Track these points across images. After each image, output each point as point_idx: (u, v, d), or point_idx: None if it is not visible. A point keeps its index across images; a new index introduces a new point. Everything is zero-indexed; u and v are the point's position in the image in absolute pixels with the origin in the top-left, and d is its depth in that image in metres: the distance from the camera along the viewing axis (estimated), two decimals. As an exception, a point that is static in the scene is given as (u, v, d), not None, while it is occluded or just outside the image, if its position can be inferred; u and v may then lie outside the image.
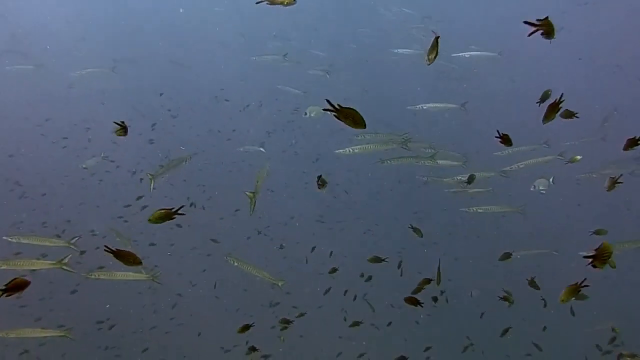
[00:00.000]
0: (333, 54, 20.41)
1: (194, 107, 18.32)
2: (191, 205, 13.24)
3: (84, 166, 13.13)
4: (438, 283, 6.75)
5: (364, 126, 3.79)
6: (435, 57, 4.27)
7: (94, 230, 12.43)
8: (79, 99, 17.41)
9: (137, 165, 15.22)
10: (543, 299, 9.78)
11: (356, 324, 10.56)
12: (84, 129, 15.68)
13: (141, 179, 14.00)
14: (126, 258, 4.65)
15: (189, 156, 9.11)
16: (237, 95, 18.07)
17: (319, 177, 6.21)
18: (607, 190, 6.52)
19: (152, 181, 8.26)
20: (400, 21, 21.18)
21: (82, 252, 8.91)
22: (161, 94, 16.87)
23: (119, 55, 17.50)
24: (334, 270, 9.91)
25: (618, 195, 15.39)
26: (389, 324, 12.78)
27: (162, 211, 4.47)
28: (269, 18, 22.33)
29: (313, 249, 12.85)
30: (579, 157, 8.11)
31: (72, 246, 7.93)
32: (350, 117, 3.75)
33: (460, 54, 14.42)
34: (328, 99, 3.67)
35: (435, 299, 9.07)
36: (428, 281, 6.54)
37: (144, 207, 11.83)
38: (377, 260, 8.08)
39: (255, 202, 6.28)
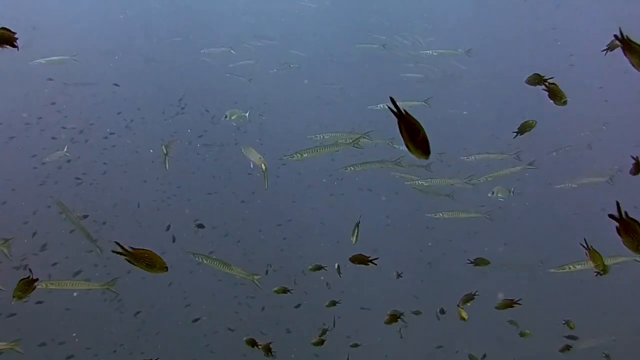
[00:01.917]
0: (310, 55, 19.90)
1: (157, 105, 17.40)
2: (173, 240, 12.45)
3: (46, 160, 12.36)
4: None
5: None
6: None
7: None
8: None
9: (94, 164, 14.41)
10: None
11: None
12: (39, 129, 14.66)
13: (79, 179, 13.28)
14: (145, 260, 3.09)
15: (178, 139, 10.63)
16: (201, 97, 17.33)
17: None
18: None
19: (167, 158, 8.58)
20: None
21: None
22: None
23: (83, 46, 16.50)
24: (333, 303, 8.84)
25: (593, 203, 15.19)
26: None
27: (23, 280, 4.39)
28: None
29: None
30: None
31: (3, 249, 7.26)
32: None
33: (428, 52, 13.88)
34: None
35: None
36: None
37: (85, 216, 10.95)
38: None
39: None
